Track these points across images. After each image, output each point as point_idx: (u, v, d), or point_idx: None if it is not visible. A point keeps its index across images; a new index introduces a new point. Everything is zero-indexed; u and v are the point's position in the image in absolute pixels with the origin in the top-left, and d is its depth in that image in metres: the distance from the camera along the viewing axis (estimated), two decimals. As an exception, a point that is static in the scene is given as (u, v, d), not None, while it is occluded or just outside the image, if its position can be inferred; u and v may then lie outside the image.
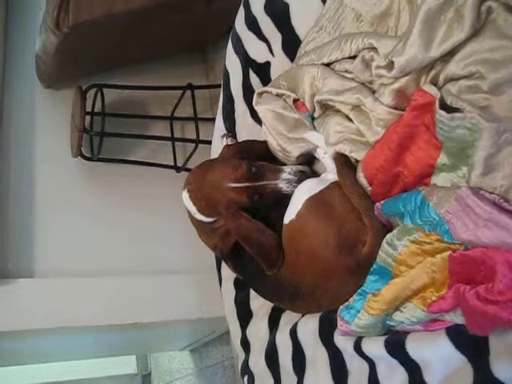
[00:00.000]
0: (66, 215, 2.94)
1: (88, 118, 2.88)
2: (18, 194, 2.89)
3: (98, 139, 2.89)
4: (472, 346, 0.93)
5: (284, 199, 1.33)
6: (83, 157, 2.94)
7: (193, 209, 1.40)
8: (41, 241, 2.84)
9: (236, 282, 1.69)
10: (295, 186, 1.33)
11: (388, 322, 1.10)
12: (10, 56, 3.11)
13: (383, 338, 1.10)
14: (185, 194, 1.40)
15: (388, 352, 1.08)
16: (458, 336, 0.96)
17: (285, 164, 1.42)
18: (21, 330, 2.55)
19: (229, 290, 1.71)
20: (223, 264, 1.73)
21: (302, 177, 1.34)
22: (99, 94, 2.90)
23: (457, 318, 0.96)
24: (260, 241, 1.32)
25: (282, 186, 1.33)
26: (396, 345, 1.07)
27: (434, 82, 1.06)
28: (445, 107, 0.98)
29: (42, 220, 2.89)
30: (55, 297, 2.62)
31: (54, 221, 2.90)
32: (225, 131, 1.74)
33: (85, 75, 3.03)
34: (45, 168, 3.00)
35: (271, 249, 1.31)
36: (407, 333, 1.07)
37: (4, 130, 2.91)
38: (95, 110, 2.96)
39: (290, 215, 1.28)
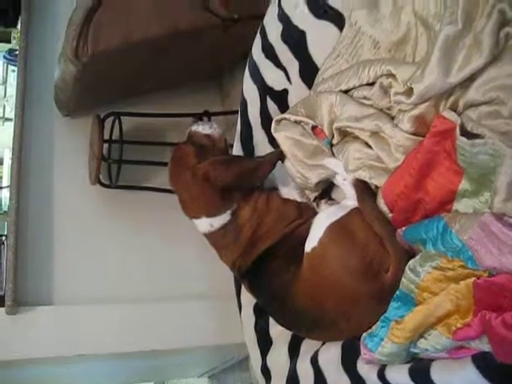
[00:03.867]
0: (84, 243, 2.94)
1: (106, 145, 2.89)
2: (37, 221, 2.90)
3: (116, 167, 2.91)
4: (500, 374, 0.92)
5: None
6: (101, 184, 2.95)
7: (199, 222, 1.44)
8: (59, 268, 2.84)
9: (255, 309, 1.68)
10: (204, 125, 1.51)
11: (412, 350, 1.09)
12: (29, 85, 3.14)
13: (407, 366, 1.09)
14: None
15: (413, 380, 1.06)
16: (485, 364, 0.95)
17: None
18: (40, 358, 2.54)
19: (248, 317, 1.70)
20: (243, 290, 1.72)
21: (204, 119, 1.54)
22: (117, 121, 2.93)
23: (483, 345, 0.95)
24: (241, 166, 1.40)
25: (199, 128, 1.50)
26: (421, 373, 1.05)
27: (454, 108, 1.07)
28: (465, 133, 0.98)
29: (61, 247, 2.89)
30: (73, 324, 2.61)
31: (72, 248, 2.90)
32: (243, 158, 1.74)
33: (102, 103, 3.06)
34: (63, 196, 3.01)
35: (253, 164, 1.42)
36: (432, 360, 1.06)
37: (23, 159, 2.93)
38: (113, 138, 2.98)
39: (311, 242, 1.27)
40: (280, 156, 1.43)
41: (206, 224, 1.42)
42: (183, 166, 1.42)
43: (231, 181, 1.38)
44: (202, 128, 1.50)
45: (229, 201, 1.40)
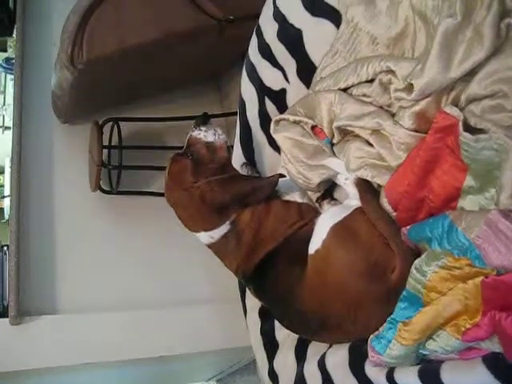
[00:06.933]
0: (87, 250, 2.94)
1: (105, 151, 2.88)
2: (39, 229, 2.90)
3: (116, 172, 2.90)
4: (512, 374, 0.90)
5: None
6: (102, 190, 2.94)
7: (199, 235, 1.42)
8: (62, 276, 2.83)
9: (261, 313, 1.66)
10: (206, 131, 1.42)
11: (421, 351, 1.06)
12: (26, 93, 3.13)
13: (417, 368, 1.06)
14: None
15: (422, 382, 1.03)
16: (496, 364, 0.92)
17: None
18: (45, 368, 2.53)
19: (254, 321, 1.69)
20: (248, 294, 1.71)
21: (208, 124, 1.44)
22: (115, 127, 2.92)
23: (493, 345, 0.93)
24: (238, 188, 1.36)
25: (201, 135, 1.42)
26: (430, 374, 1.03)
27: (455, 103, 1.05)
28: (468, 128, 0.96)
29: (63, 255, 2.88)
30: (78, 332, 2.61)
31: (75, 256, 2.89)
32: (244, 160, 1.72)
33: (100, 109, 3.05)
34: (64, 203, 3.01)
35: (250, 187, 1.37)
36: (441, 361, 1.03)
37: (23, 167, 2.92)
38: (112, 143, 2.96)
39: (315, 244, 1.26)
40: (279, 179, 1.38)
41: (206, 237, 1.41)
42: (179, 185, 1.40)
43: (228, 202, 1.36)
44: (204, 135, 1.43)
45: (227, 215, 1.38)
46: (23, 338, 2.53)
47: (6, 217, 3.82)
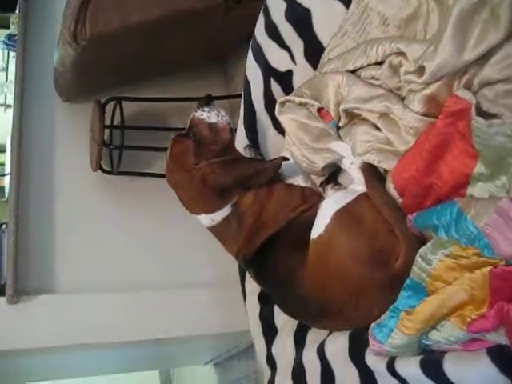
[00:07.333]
0: (86, 230, 2.92)
1: (107, 131, 2.86)
2: (38, 209, 2.88)
3: (117, 153, 2.88)
4: (518, 368, 0.87)
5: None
6: (103, 170, 2.92)
7: (200, 217, 1.41)
8: (61, 256, 2.82)
9: (260, 297, 1.65)
10: (209, 111, 1.41)
11: (423, 341, 1.04)
12: (28, 70, 3.11)
13: (418, 358, 1.04)
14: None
15: (424, 372, 1.01)
16: (502, 357, 0.90)
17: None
18: (42, 347, 2.53)
19: (254, 306, 1.67)
20: (248, 278, 1.69)
21: (211, 105, 1.43)
22: (118, 106, 2.89)
23: (499, 338, 0.90)
24: (240, 171, 1.35)
25: (204, 116, 1.41)
26: (433, 365, 1.00)
27: (468, 87, 1.02)
28: (481, 113, 0.93)
29: (63, 235, 2.87)
30: (76, 313, 2.60)
31: (74, 236, 2.88)
32: (247, 142, 1.70)
33: (103, 88, 3.02)
34: (65, 183, 2.99)
35: (252, 169, 1.36)
36: (444, 352, 1.01)
37: (24, 146, 2.91)
38: (114, 123, 2.94)
39: (318, 229, 1.23)
40: (282, 161, 1.36)
41: (207, 219, 1.40)
42: (180, 166, 1.38)
43: (230, 185, 1.35)
44: (208, 116, 1.42)
45: (228, 197, 1.37)
46: (20, 317, 2.52)
47: (7, 195, 3.81)
